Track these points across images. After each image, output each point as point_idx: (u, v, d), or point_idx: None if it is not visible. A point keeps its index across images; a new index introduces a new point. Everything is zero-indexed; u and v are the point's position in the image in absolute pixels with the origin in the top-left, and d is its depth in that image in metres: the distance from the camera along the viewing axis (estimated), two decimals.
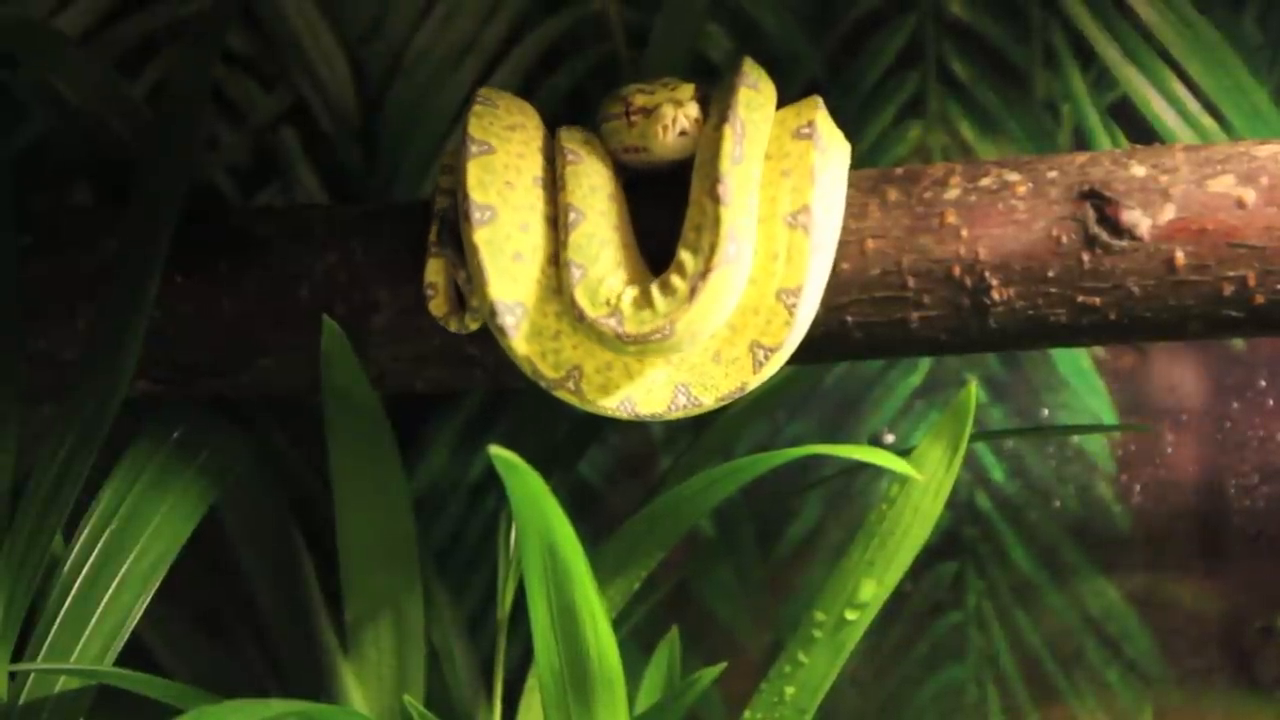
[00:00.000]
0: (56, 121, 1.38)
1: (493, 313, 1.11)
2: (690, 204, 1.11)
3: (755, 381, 1.11)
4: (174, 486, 1.24)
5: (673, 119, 1.10)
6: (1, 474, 1.20)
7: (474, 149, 1.13)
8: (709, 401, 1.12)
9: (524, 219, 1.13)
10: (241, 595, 1.42)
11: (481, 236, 1.11)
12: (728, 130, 1.09)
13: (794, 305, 1.09)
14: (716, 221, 1.07)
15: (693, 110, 1.11)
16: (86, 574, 1.19)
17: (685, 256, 1.08)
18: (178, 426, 1.26)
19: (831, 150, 1.14)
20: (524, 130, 1.17)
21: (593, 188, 1.13)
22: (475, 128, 1.14)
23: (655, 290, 1.08)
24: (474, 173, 1.12)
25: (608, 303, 1.09)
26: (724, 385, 1.11)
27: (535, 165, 1.15)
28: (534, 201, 1.13)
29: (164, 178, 1.23)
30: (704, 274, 1.06)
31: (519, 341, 1.11)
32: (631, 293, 1.09)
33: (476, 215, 1.11)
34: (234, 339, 1.23)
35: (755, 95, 1.12)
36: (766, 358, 1.10)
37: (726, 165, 1.08)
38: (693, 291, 1.06)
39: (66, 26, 1.46)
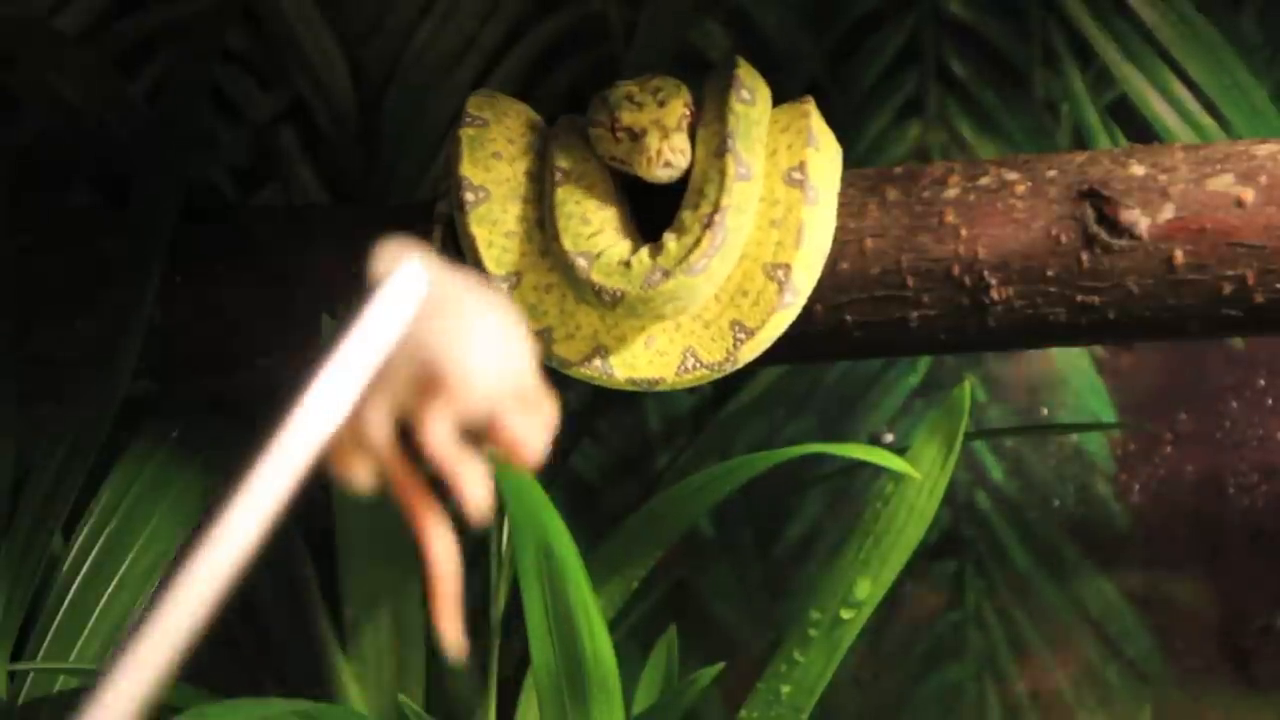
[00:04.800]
0: (56, 121, 1.38)
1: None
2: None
3: (671, 383, 1.12)
4: (173, 486, 1.24)
5: (656, 152, 1.07)
6: (1, 473, 1.20)
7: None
8: (620, 377, 1.12)
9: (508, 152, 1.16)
10: (241, 595, 1.42)
11: (467, 134, 1.15)
12: (719, 261, 1.08)
13: (741, 341, 1.11)
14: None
15: (678, 141, 1.08)
16: (86, 573, 1.19)
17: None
18: (177, 426, 1.27)
19: (823, 193, 1.13)
20: (518, 103, 1.21)
21: (581, 155, 1.15)
22: (472, 105, 1.19)
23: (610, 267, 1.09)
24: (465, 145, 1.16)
25: (590, 242, 1.10)
26: (644, 370, 1.12)
27: (529, 123, 1.19)
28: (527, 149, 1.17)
29: (163, 177, 1.23)
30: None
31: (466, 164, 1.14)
32: (610, 247, 1.10)
33: (468, 121, 1.16)
34: (234, 339, 1.23)
35: (747, 187, 1.09)
36: (694, 368, 1.11)
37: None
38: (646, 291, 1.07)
39: (65, 26, 1.45)
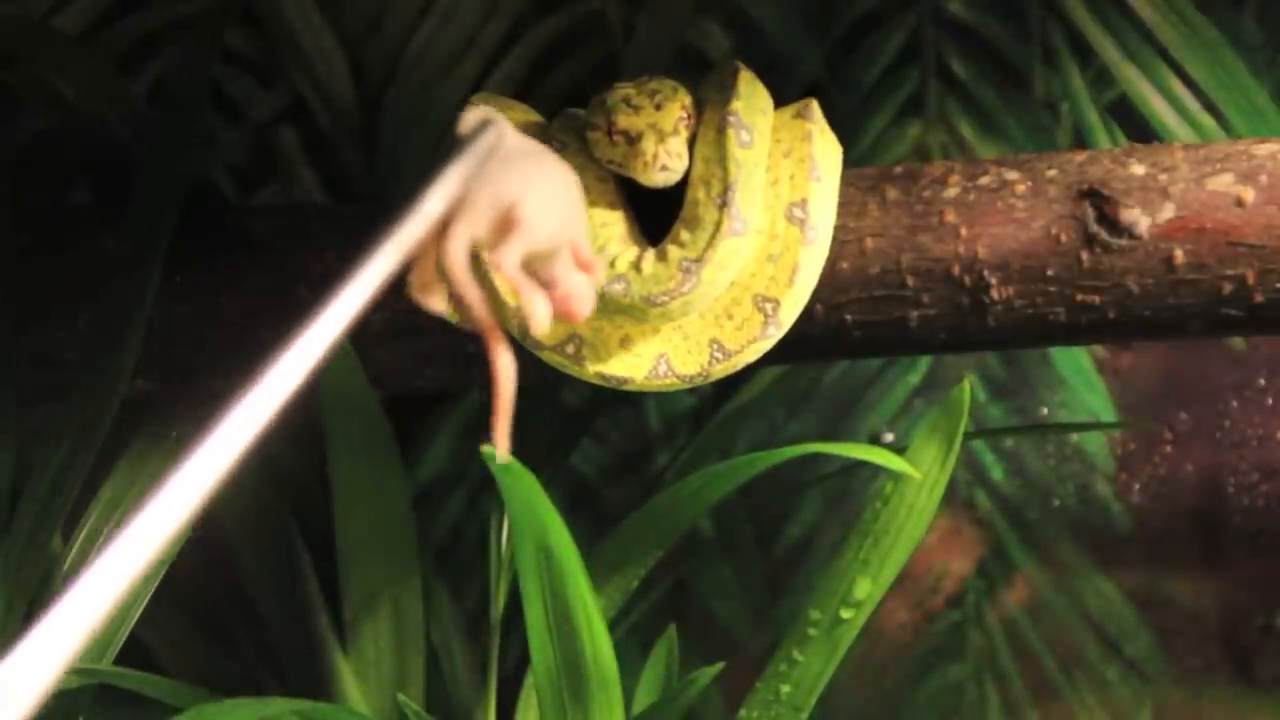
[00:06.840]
0: (56, 120, 1.38)
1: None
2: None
3: (639, 385, 1.12)
4: None
5: (653, 156, 1.06)
6: (1, 473, 1.20)
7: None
8: (589, 368, 1.11)
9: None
10: (241, 595, 1.42)
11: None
12: (679, 305, 1.08)
13: (717, 360, 1.11)
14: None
15: (675, 145, 1.07)
16: None
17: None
18: (177, 426, 1.27)
19: (822, 230, 1.12)
20: (522, 104, 1.20)
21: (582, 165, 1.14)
22: (478, 98, 1.17)
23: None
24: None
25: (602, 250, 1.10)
26: (614, 367, 1.11)
27: (532, 120, 1.18)
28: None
29: (163, 177, 1.23)
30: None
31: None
32: (599, 226, 1.10)
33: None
34: (234, 339, 1.23)
35: (736, 244, 1.08)
36: (665, 375, 1.11)
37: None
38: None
39: (66, 25, 1.46)
